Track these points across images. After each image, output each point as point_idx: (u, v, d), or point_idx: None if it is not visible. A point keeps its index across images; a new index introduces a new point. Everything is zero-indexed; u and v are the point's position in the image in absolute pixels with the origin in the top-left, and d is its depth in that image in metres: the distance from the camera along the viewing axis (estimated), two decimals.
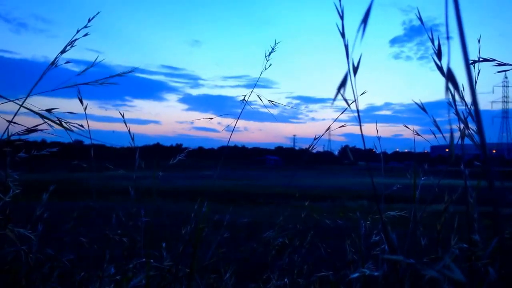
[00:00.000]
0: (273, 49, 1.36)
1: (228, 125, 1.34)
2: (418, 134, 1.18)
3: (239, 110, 1.33)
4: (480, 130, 0.32)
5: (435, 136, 1.00)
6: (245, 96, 1.33)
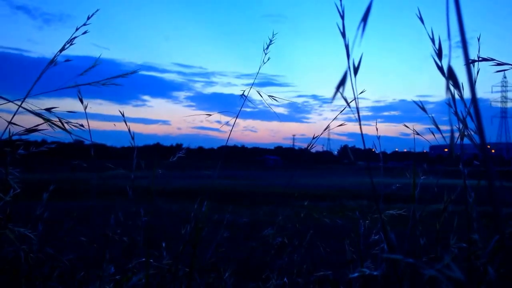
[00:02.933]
0: (271, 41, 1.30)
1: (227, 122, 1.32)
2: (418, 134, 1.18)
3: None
4: (480, 130, 0.32)
5: (435, 136, 1.00)
6: (244, 91, 1.31)
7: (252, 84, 1.32)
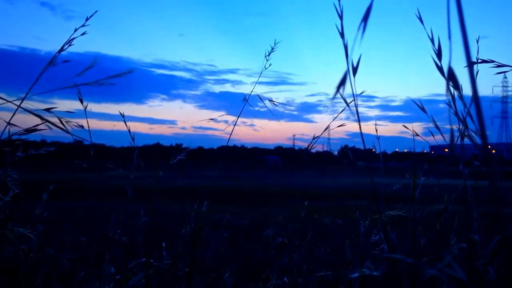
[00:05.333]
0: (272, 48, 1.34)
1: (234, 122, 1.33)
2: (417, 134, 1.19)
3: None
4: (482, 131, 0.32)
5: (434, 137, 1.00)
6: (247, 95, 1.32)
7: (255, 84, 1.34)
